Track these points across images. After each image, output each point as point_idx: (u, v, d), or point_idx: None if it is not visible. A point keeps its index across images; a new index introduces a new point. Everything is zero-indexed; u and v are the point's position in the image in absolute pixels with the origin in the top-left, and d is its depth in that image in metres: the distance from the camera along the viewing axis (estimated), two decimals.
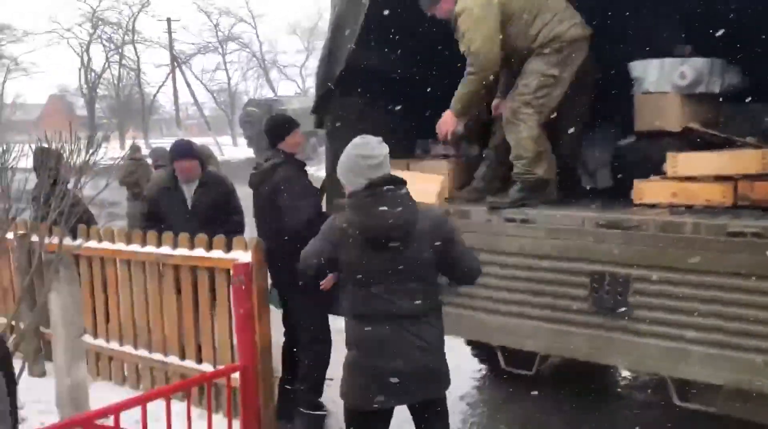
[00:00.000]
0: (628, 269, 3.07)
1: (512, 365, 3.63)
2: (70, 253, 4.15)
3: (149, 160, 10.32)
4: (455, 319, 3.58)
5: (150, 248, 4.39)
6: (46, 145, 4.46)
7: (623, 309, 3.08)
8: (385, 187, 2.75)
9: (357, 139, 2.88)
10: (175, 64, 40.10)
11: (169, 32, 39.28)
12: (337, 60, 4.01)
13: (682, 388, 3.08)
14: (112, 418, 3.19)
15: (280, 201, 3.97)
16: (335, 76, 4.03)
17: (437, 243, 2.75)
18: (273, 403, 4.08)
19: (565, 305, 3.24)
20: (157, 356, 4.50)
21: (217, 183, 4.89)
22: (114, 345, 4.77)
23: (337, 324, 3.67)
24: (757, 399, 2.85)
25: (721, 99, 3.82)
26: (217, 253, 4.06)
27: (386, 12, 3.95)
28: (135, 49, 43.22)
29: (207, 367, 4.23)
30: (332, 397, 4.08)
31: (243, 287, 3.81)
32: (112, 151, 6.52)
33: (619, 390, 5.02)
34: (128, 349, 4.68)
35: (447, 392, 4.91)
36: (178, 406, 3.64)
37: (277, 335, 4.29)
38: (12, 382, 3.19)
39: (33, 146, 4.73)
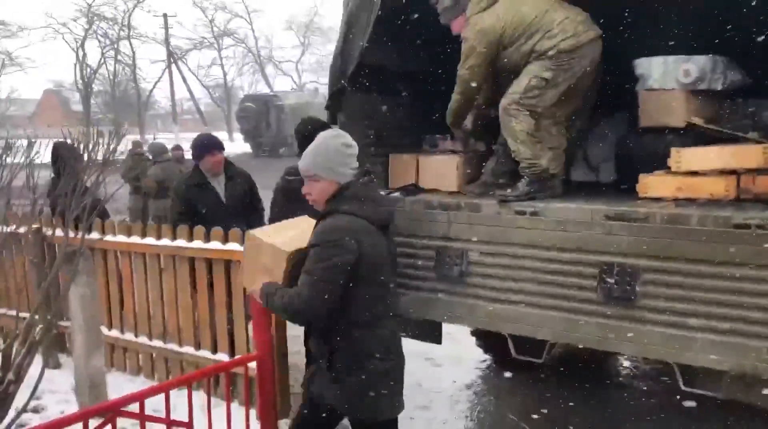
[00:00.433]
0: (636, 260, 3.18)
1: (523, 353, 3.75)
2: (88, 247, 4.24)
3: (150, 156, 10.45)
4: (468, 309, 3.70)
5: (165, 241, 4.49)
6: (63, 141, 4.54)
7: (631, 298, 3.20)
8: (370, 175, 2.79)
9: (330, 131, 2.83)
10: (172, 59, 40.04)
11: (166, 28, 39.25)
12: (350, 57, 4.11)
13: (688, 374, 3.20)
14: (137, 405, 3.30)
15: None
16: (348, 73, 4.13)
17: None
18: (288, 391, 4.19)
19: (574, 295, 3.35)
20: (172, 346, 4.60)
21: (243, 175, 4.93)
22: (129, 336, 4.87)
23: None
24: (760, 384, 2.98)
25: (724, 95, 3.93)
26: (233, 246, 4.16)
27: (397, 10, 4.06)
28: (130, 44, 43.23)
29: (222, 357, 4.33)
30: None
31: None
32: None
33: (620, 379, 5.15)
34: (143, 340, 4.79)
35: (453, 381, 5.08)
36: (194, 396, 3.74)
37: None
38: None
39: (25, 141, 4.67)
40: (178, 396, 3.61)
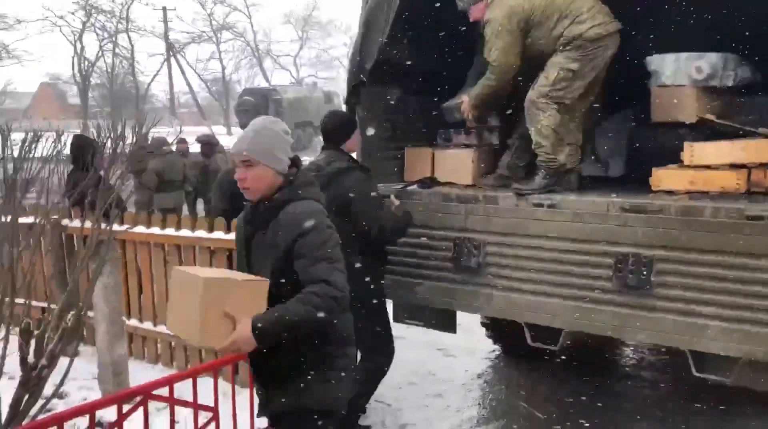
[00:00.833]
0: (651, 251, 3.30)
1: (538, 341, 3.86)
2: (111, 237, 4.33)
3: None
4: (486, 298, 3.81)
5: (185, 232, 4.58)
6: (82, 134, 4.62)
7: (646, 288, 3.31)
8: (299, 164, 2.60)
9: (268, 117, 2.64)
10: (170, 53, 40.01)
11: (165, 21, 39.23)
12: (369, 53, 4.20)
13: (700, 361, 3.31)
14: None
15: (356, 207, 3.67)
16: (367, 68, 4.22)
17: None
18: None
19: (590, 285, 3.47)
20: None
21: None
22: (148, 325, 4.97)
23: None
24: None
25: (734, 92, 4.05)
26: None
27: (415, 7, 4.16)
28: (129, 37, 43.08)
29: None
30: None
31: None
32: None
33: (627, 369, 5.27)
34: (162, 329, 4.88)
35: (465, 370, 5.18)
36: (209, 382, 3.82)
37: None
38: None
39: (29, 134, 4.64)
40: (200, 383, 3.70)
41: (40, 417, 3.21)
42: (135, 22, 43.92)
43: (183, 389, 3.54)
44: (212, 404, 3.63)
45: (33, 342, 3.40)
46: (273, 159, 2.49)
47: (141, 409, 3.27)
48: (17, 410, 3.44)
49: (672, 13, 4.36)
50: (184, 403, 3.50)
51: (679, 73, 3.98)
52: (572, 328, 3.66)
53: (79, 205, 4.77)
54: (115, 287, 4.31)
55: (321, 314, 2.33)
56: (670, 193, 3.63)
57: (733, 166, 3.53)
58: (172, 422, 3.46)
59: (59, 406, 4.18)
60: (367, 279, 3.68)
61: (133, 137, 3.84)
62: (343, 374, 2.56)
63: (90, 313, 4.36)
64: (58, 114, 43.87)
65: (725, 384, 3.35)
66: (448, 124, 4.62)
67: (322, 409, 2.54)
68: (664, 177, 3.71)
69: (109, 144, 3.93)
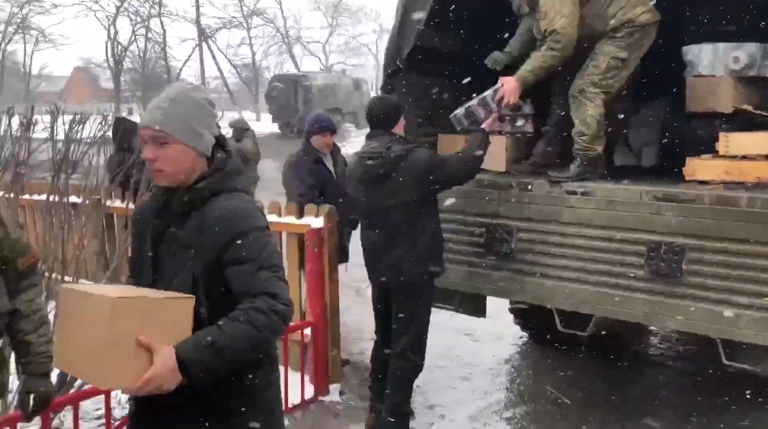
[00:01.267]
0: (684, 239, 3.33)
1: (568, 327, 3.91)
2: None
3: None
4: (517, 284, 3.87)
5: None
6: (124, 116, 4.75)
7: (678, 276, 3.35)
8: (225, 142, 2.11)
9: (180, 84, 2.21)
10: (202, 38, 40.35)
11: (197, 6, 39.53)
12: (406, 39, 4.25)
13: (730, 349, 3.34)
14: None
15: (437, 173, 3.59)
16: (404, 54, 4.28)
17: None
18: (339, 357, 4.39)
19: (622, 272, 3.51)
20: None
21: (342, 157, 5.01)
22: None
23: None
24: None
25: None
26: (289, 219, 4.36)
27: None
28: (161, 22, 43.50)
29: None
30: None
31: (316, 250, 4.11)
32: None
33: (655, 358, 5.30)
34: None
35: (492, 355, 5.25)
36: None
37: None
38: None
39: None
40: None
41: (86, 386, 3.35)
42: (167, 6, 44.27)
43: None
44: None
45: None
46: (193, 136, 1.98)
47: None
48: (64, 379, 3.60)
49: (710, 1, 4.35)
50: None
51: (716, 63, 3.97)
52: (603, 315, 3.71)
53: (123, 186, 4.92)
54: None
55: (266, 335, 1.88)
56: (703, 183, 3.64)
57: None
58: None
59: None
60: (430, 268, 3.66)
61: None
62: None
63: None
64: (90, 97, 44.59)
65: (756, 374, 3.38)
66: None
67: None
68: (698, 167, 3.72)
69: None
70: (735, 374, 3.69)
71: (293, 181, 4.72)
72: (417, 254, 3.59)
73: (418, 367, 3.78)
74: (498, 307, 4.98)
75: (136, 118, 5.10)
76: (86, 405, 3.74)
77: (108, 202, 5.21)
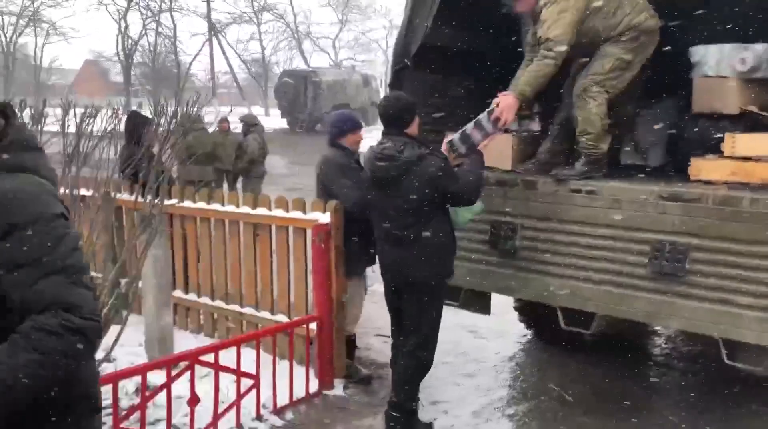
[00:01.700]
0: (688, 238, 3.35)
1: (572, 325, 3.94)
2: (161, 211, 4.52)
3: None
4: (522, 281, 3.90)
5: (230, 207, 4.75)
6: (136, 110, 4.80)
7: (681, 275, 3.37)
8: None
9: None
10: (212, 32, 40.46)
11: (208, 1, 39.64)
12: (414, 37, 4.30)
13: (731, 349, 3.36)
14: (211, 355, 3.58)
15: (444, 186, 3.56)
16: (411, 52, 4.31)
17: None
18: (343, 351, 4.43)
19: (626, 271, 3.54)
20: (234, 307, 4.88)
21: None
22: (192, 296, 5.17)
23: None
24: None
25: None
26: (296, 214, 4.40)
27: None
28: (172, 17, 43.66)
29: (281, 318, 4.59)
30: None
31: (322, 245, 4.15)
32: None
33: (659, 358, 5.31)
34: (205, 300, 5.07)
35: (496, 352, 5.28)
36: (253, 355, 3.98)
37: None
38: None
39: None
40: (241, 353, 3.88)
41: None
42: (178, 1, 44.36)
43: (224, 359, 3.72)
44: (254, 372, 3.82)
45: None
46: None
47: (185, 374, 3.47)
48: None
49: (717, 3, 4.35)
50: (227, 369, 3.69)
51: (723, 65, 3.98)
52: (606, 313, 3.74)
53: (132, 179, 4.97)
54: (165, 259, 4.50)
55: (60, 361, 1.42)
56: (708, 183, 3.66)
57: None
58: (217, 387, 3.65)
59: (109, 369, 4.39)
60: (444, 264, 3.68)
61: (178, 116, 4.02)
62: None
63: (138, 283, 4.57)
64: (101, 91, 44.82)
65: (756, 373, 3.40)
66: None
67: None
68: (703, 167, 3.74)
69: (163, 121, 4.11)
70: (737, 374, 3.71)
71: (343, 182, 4.31)
72: (428, 254, 3.60)
73: (426, 366, 3.79)
74: (502, 304, 5.00)
75: (146, 112, 5.12)
76: None
77: (118, 195, 5.27)
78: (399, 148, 3.54)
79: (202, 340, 5.08)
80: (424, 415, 4.11)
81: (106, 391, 3.65)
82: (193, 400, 3.45)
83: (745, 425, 3.97)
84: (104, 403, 3.86)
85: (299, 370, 4.16)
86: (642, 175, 4.12)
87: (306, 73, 31.99)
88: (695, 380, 4.74)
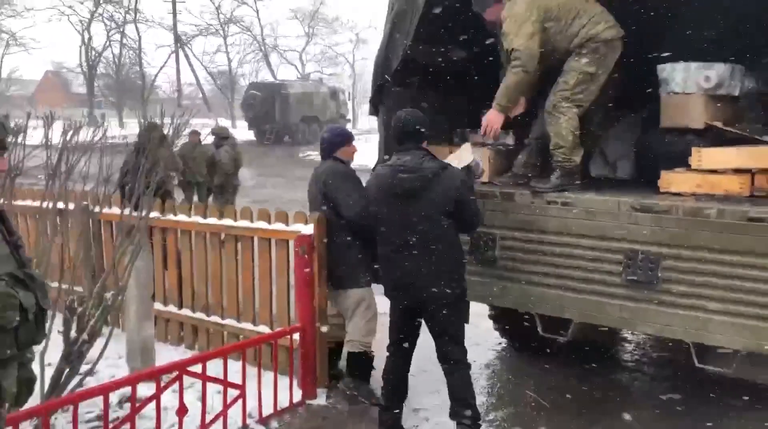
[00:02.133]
0: (659, 248, 3.52)
1: (549, 332, 4.07)
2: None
3: None
4: (500, 290, 4.02)
5: (212, 220, 4.79)
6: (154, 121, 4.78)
7: (653, 283, 3.53)
8: None
9: None
10: (178, 45, 40.20)
11: (174, 12, 39.39)
12: (394, 54, 4.41)
13: (702, 353, 3.53)
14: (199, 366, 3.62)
15: (465, 200, 3.65)
16: (392, 69, 4.43)
17: None
18: (326, 361, 4.49)
19: (600, 279, 3.69)
20: (215, 319, 4.91)
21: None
22: (172, 308, 5.18)
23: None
24: None
25: (739, 101, 4.26)
26: (278, 226, 4.47)
27: (439, 11, 4.36)
28: (137, 28, 43.29)
29: (264, 329, 4.64)
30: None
31: (305, 256, 4.22)
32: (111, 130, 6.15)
33: (631, 363, 5.49)
34: (186, 312, 5.09)
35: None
36: (236, 365, 4.03)
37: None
38: None
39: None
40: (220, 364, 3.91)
41: (78, 390, 3.43)
42: (143, 13, 44.09)
43: (209, 369, 3.76)
44: (239, 382, 3.86)
45: (75, 318, 3.62)
46: None
47: (172, 385, 3.50)
48: (58, 382, 3.66)
49: (683, 22, 4.57)
50: (215, 380, 3.73)
51: (689, 82, 4.18)
52: (582, 320, 3.88)
53: (121, 191, 4.96)
54: (146, 270, 4.52)
55: None
56: (677, 194, 3.84)
57: (738, 171, 3.74)
58: (204, 397, 3.69)
59: (90, 383, 4.38)
60: (462, 275, 3.73)
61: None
62: None
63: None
64: (62, 102, 44.09)
65: (726, 375, 3.57)
66: (464, 124, 4.83)
67: None
68: (672, 179, 3.92)
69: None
70: (706, 377, 3.86)
71: (349, 189, 4.32)
72: (449, 267, 3.65)
73: (469, 366, 3.91)
74: (477, 314, 5.10)
75: (115, 123, 5.11)
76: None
77: (105, 209, 5.26)
78: (420, 160, 3.61)
79: (183, 352, 5.10)
80: (406, 422, 4.20)
81: (94, 403, 3.68)
82: (182, 411, 3.49)
83: (716, 425, 4.14)
84: (92, 415, 3.91)
85: (284, 380, 4.22)
86: (614, 187, 4.29)
87: (274, 85, 32.00)
88: (668, 384, 4.91)
